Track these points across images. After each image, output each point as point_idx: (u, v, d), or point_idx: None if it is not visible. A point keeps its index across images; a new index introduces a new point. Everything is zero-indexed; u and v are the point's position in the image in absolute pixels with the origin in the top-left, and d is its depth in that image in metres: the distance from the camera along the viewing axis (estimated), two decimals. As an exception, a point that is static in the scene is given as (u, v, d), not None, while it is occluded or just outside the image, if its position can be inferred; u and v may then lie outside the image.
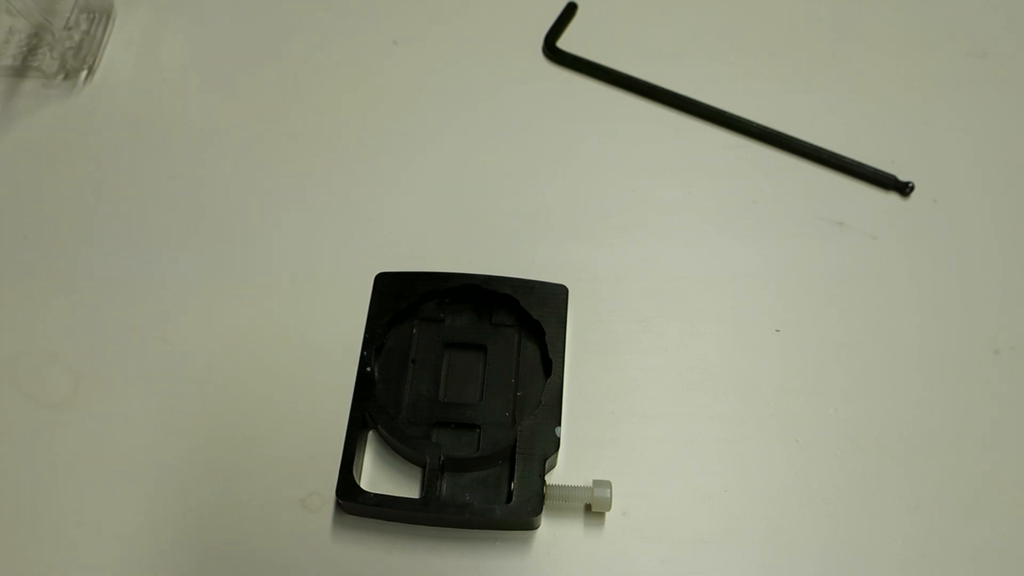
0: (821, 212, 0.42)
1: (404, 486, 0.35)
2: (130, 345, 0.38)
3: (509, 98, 0.46)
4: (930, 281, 0.40)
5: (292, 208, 0.42)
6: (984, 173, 0.43)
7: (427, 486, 0.33)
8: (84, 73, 0.47)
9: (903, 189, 0.42)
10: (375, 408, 0.34)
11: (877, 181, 0.43)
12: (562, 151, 0.44)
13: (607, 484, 0.33)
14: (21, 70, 0.47)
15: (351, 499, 0.33)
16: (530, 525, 0.34)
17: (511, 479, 0.33)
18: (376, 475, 0.35)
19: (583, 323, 0.38)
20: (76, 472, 0.35)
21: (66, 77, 0.47)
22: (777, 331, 0.39)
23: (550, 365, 0.36)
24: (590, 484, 0.33)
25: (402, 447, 0.34)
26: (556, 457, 0.34)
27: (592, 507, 0.34)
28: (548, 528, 0.34)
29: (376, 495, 0.33)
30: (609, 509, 0.34)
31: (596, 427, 0.36)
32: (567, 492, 0.33)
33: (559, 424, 0.34)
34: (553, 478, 0.35)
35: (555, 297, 0.37)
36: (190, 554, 0.34)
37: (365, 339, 0.36)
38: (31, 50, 0.47)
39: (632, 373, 0.38)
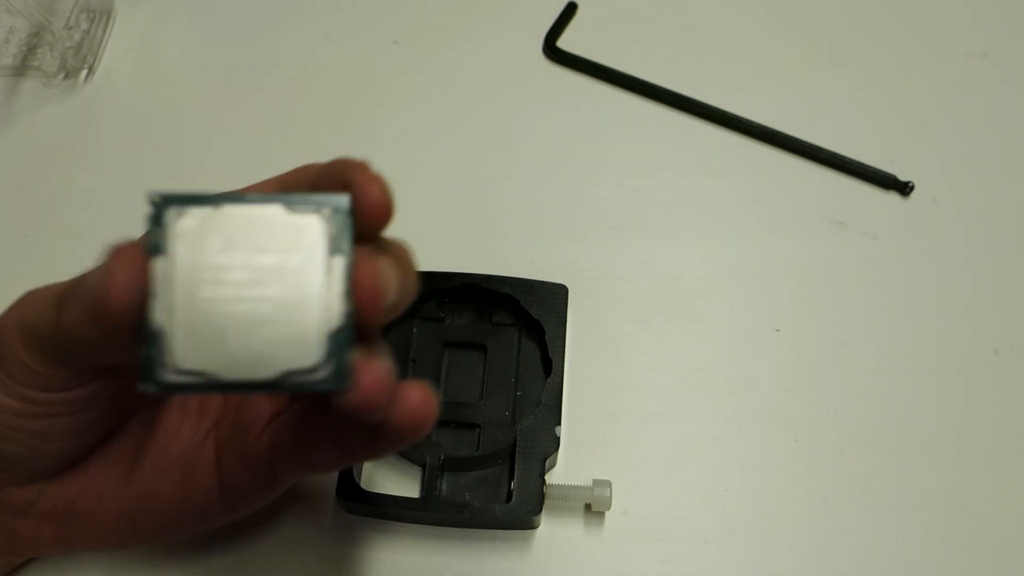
0: (821, 212, 0.42)
1: (404, 486, 0.35)
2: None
3: (509, 98, 0.46)
4: (930, 281, 0.40)
5: (292, 208, 0.42)
6: (984, 173, 0.43)
7: (427, 485, 0.33)
8: (84, 73, 0.47)
9: (903, 189, 0.42)
10: (375, 408, 0.34)
11: (877, 181, 0.43)
12: (562, 151, 0.44)
13: (607, 483, 0.33)
14: (21, 70, 0.47)
15: (351, 499, 0.33)
16: (530, 524, 0.34)
17: (511, 478, 0.33)
18: (376, 475, 0.35)
19: (583, 323, 0.38)
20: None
21: (66, 77, 0.47)
22: (777, 331, 0.39)
23: (550, 365, 0.36)
24: (590, 483, 0.33)
25: (402, 447, 0.34)
26: (556, 456, 0.34)
27: (592, 506, 0.34)
28: (548, 527, 0.34)
29: (376, 494, 0.33)
30: (609, 508, 0.34)
31: (596, 427, 0.36)
32: (567, 491, 0.33)
33: (559, 423, 0.34)
34: (553, 477, 0.35)
35: (555, 297, 0.37)
36: (190, 553, 0.34)
37: (365, 339, 0.36)
38: (31, 50, 0.47)
39: (632, 373, 0.38)
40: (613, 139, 0.45)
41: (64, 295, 0.22)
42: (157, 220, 0.19)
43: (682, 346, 0.38)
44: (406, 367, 0.37)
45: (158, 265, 0.19)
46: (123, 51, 0.48)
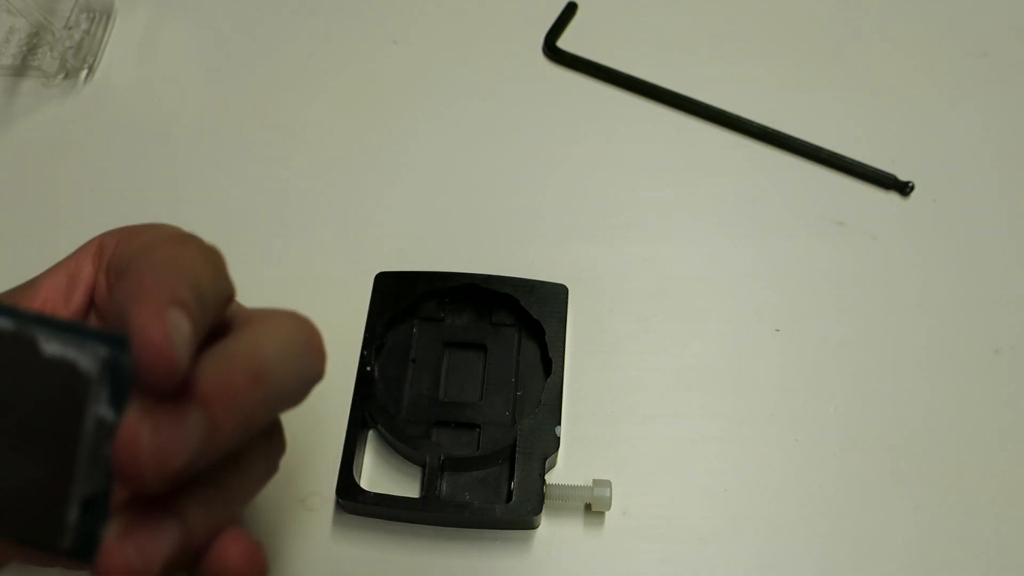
0: (821, 212, 0.42)
1: (404, 485, 0.35)
2: (130, 345, 0.38)
3: (509, 98, 0.46)
4: (930, 281, 0.40)
5: (292, 208, 0.42)
6: (984, 173, 0.43)
7: (427, 486, 0.33)
8: (84, 73, 0.47)
9: (903, 189, 0.42)
10: (375, 407, 0.34)
11: (877, 181, 0.43)
12: (562, 151, 0.44)
13: (607, 483, 0.33)
14: (21, 70, 0.47)
15: (351, 498, 0.33)
16: (530, 524, 0.34)
17: (511, 478, 0.33)
18: (376, 475, 0.35)
19: (583, 323, 0.38)
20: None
21: (66, 77, 0.47)
22: (777, 331, 0.39)
23: (550, 364, 0.36)
24: (590, 483, 0.33)
25: (402, 446, 0.34)
26: (556, 456, 0.34)
27: (592, 506, 0.34)
28: (548, 527, 0.34)
29: (376, 494, 0.33)
30: (609, 508, 0.34)
31: (596, 427, 0.36)
32: (567, 491, 0.33)
33: (559, 423, 0.34)
34: (553, 477, 0.35)
35: (555, 297, 0.37)
36: (190, 554, 0.34)
37: (365, 339, 0.36)
38: (31, 50, 0.47)
39: (632, 373, 0.38)
40: (613, 139, 0.45)
41: None
42: None
43: (682, 346, 0.38)
44: (406, 367, 0.37)
45: None
46: (123, 51, 0.48)
